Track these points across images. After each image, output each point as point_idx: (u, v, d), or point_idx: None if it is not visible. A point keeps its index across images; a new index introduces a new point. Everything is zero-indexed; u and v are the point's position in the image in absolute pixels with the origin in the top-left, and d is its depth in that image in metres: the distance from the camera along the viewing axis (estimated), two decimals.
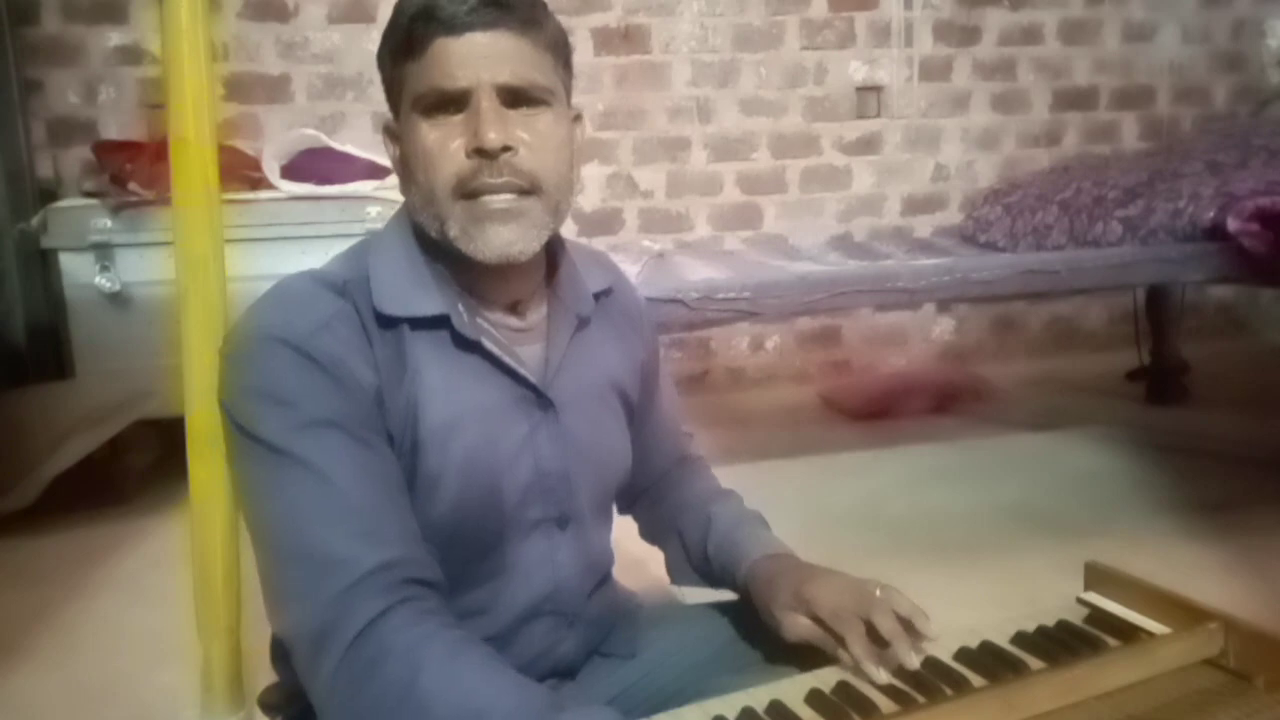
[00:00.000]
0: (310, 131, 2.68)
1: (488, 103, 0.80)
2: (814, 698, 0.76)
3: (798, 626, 0.85)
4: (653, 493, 1.08)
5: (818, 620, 0.83)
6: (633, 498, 1.09)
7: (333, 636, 0.71)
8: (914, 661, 0.77)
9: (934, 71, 3.43)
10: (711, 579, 1.00)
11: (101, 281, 2.46)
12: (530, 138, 0.82)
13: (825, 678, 0.79)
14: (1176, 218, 2.14)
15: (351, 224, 2.40)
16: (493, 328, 0.87)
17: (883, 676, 0.77)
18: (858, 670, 0.78)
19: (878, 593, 0.83)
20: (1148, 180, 2.34)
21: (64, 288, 2.51)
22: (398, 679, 0.70)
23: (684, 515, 1.03)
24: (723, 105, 3.31)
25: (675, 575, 1.05)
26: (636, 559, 1.08)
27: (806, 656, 0.86)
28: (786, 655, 0.88)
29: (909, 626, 0.80)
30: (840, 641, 0.81)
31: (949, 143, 3.49)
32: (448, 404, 0.83)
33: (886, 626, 0.79)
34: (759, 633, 0.93)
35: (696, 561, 1.01)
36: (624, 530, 1.06)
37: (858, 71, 3.39)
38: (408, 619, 0.73)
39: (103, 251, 2.46)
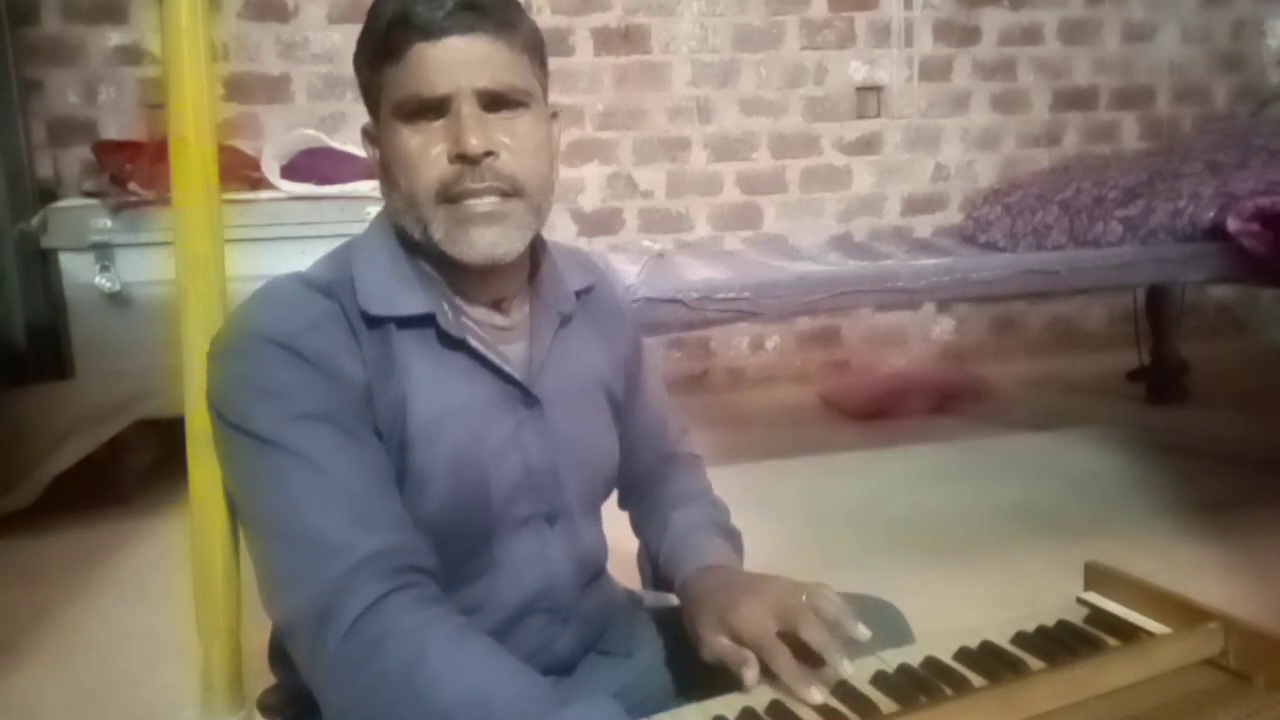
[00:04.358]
0: (310, 131, 2.68)
1: (468, 108, 0.80)
2: None
3: (715, 646, 0.81)
4: (639, 490, 1.08)
5: (743, 645, 0.80)
6: (625, 494, 1.09)
7: (335, 617, 0.71)
8: (847, 669, 0.73)
9: (934, 71, 3.43)
10: (664, 587, 0.99)
11: (101, 281, 2.46)
12: (511, 141, 0.82)
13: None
14: (1176, 218, 2.14)
15: (351, 224, 2.39)
16: (477, 326, 0.88)
17: (818, 696, 0.72)
18: (785, 691, 0.74)
19: (803, 598, 0.79)
20: (1148, 180, 2.34)
21: (64, 288, 2.52)
22: (401, 660, 0.70)
23: (651, 519, 1.03)
24: (723, 105, 3.31)
25: (642, 579, 1.05)
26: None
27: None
28: (696, 668, 0.87)
29: (836, 630, 0.76)
30: (768, 665, 0.76)
31: (949, 143, 3.49)
32: (435, 401, 0.83)
33: (814, 638, 0.75)
34: None
35: (653, 567, 1.01)
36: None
37: (858, 71, 3.39)
38: (409, 603, 0.73)
39: (103, 251, 2.46)
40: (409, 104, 0.82)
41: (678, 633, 0.98)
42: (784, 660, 0.75)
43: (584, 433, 0.93)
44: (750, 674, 0.75)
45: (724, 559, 0.94)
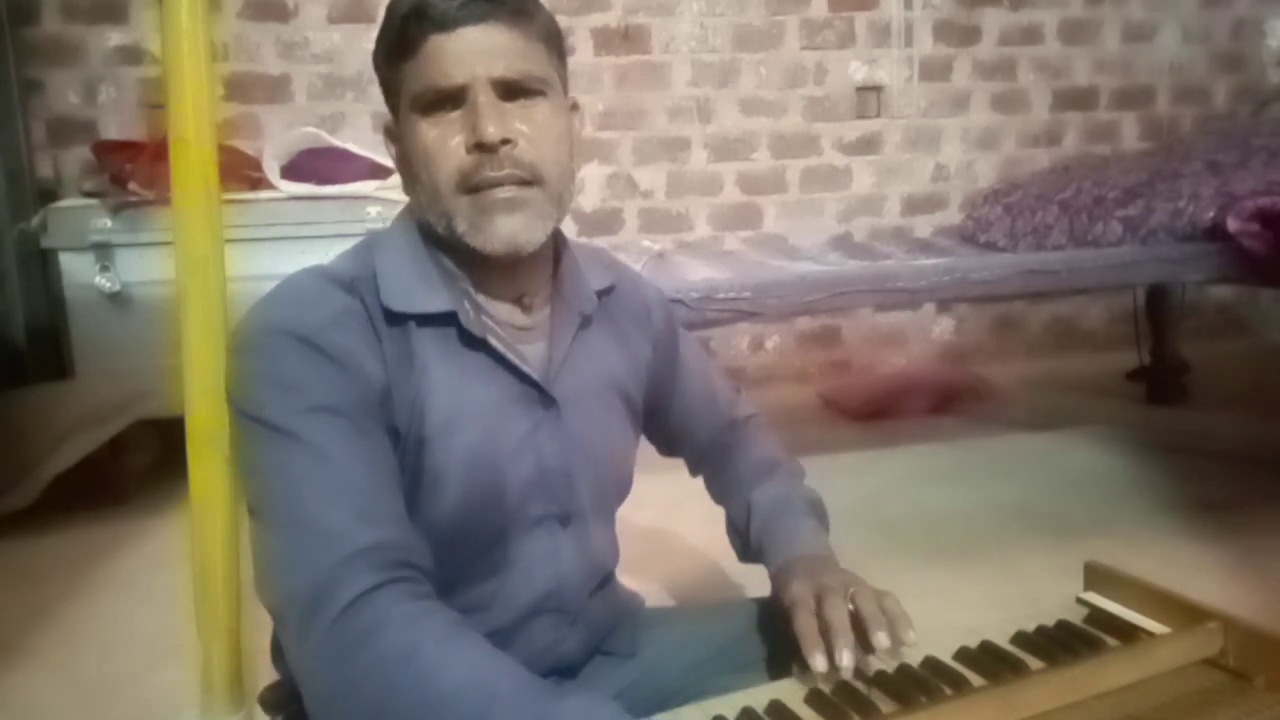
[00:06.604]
0: (311, 129, 2.67)
1: (485, 97, 0.81)
2: (814, 698, 0.76)
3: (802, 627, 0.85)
4: (710, 459, 1.10)
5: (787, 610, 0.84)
6: (694, 463, 1.12)
7: (325, 603, 0.70)
8: (881, 654, 0.76)
9: (934, 71, 3.43)
10: (757, 562, 1.01)
11: (101, 281, 2.46)
12: (529, 129, 0.83)
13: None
14: (1176, 218, 2.14)
15: (351, 224, 2.40)
16: (498, 325, 0.88)
17: (821, 664, 0.76)
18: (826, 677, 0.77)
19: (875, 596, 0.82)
20: (1148, 180, 2.34)
21: (64, 288, 2.51)
22: (396, 648, 0.69)
23: (731, 496, 1.05)
24: (723, 105, 3.31)
25: (736, 550, 1.07)
26: (639, 556, 1.09)
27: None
28: (787, 656, 0.88)
29: (890, 626, 0.79)
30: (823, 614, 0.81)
31: (949, 143, 3.49)
32: (453, 400, 0.83)
33: (867, 608, 0.79)
34: (760, 633, 0.94)
35: (745, 549, 1.03)
36: (627, 527, 1.06)
37: (858, 71, 3.39)
38: (403, 595, 0.73)
39: (103, 251, 2.46)
40: (426, 96, 0.82)
41: (682, 632, 0.98)
42: (839, 615, 0.79)
43: (598, 435, 0.93)
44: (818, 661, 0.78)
45: (813, 546, 0.96)
